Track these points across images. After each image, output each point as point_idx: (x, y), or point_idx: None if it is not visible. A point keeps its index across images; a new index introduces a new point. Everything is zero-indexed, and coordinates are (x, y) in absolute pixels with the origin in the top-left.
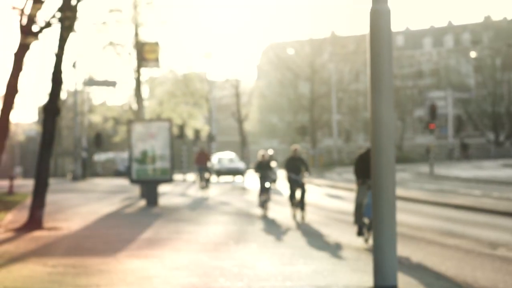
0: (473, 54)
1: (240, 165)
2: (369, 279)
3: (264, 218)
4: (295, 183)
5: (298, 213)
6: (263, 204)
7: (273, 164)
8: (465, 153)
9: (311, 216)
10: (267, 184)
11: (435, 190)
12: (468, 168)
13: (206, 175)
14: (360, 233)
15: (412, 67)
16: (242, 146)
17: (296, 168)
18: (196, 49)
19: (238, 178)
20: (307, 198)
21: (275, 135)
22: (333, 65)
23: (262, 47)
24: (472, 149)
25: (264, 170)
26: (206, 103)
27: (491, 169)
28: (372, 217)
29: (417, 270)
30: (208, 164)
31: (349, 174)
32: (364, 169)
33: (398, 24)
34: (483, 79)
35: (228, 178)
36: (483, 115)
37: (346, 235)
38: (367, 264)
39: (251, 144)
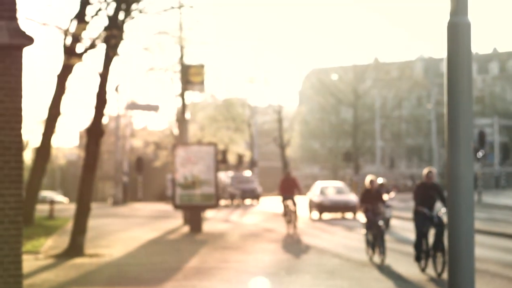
0: None
1: (352, 197)
2: None
3: (379, 267)
4: (428, 222)
5: (431, 264)
6: (372, 246)
7: (385, 197)
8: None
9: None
10: (380, 222)
11: (486, 219)
12: None
13: (292, 206)
14: None
15: None
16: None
17: (430, 200)
18: (238, 74)
19: (349, 215)
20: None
21: (316, 161)
22: (377, 91)
23: (304, 73)
24: None
25: (373, 201)
26: (248, 128)
27: None
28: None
29: None
30: (296, 192)
31: (408, 202)
32: None
33: (443, 51)
34: None
35: (335, 214)
36: None
37: (403, 265)
38: None
39: (292, 170)
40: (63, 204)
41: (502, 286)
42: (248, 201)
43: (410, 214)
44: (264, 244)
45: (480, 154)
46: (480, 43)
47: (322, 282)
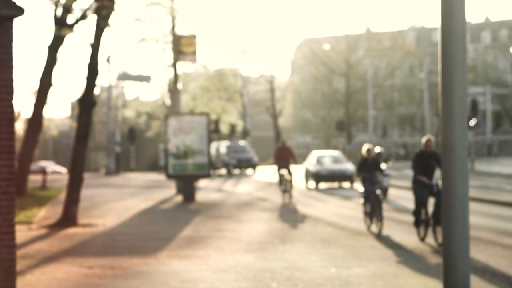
0: None
1: (349, 166)
2: (435, 285)
3: (376, 236)
4: (427, 190)
5: (430, 233)
6: (370, 215)
7: (383, 166)
8: None
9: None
10: (377, 191)
11: (479, 187)
12: (509, 164)
13: (287, 176)
14: None
15: None
16: (277, 141)
17: (430, 168)
18: (230, 45)
19: (346, 184)
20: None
21: (309, 130)
22: (369, 60)
23: (297, 43)
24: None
25: (370, 170)
26: (240, 98)
27: None
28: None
29: (484, 274)
30: (291, 161)
31: (401, 170)
32: None
33: (435, 20)
34: None
35: (331, 184)
36: None
37: (400, 234)
38: (429, 267)
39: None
40: (60, 174)
41: (496, 252)
42: (244, 171)
43: (404, 183)
44: (258, 213)
45: (472, 122)
46: (472, 13)
47: (317, 250)
